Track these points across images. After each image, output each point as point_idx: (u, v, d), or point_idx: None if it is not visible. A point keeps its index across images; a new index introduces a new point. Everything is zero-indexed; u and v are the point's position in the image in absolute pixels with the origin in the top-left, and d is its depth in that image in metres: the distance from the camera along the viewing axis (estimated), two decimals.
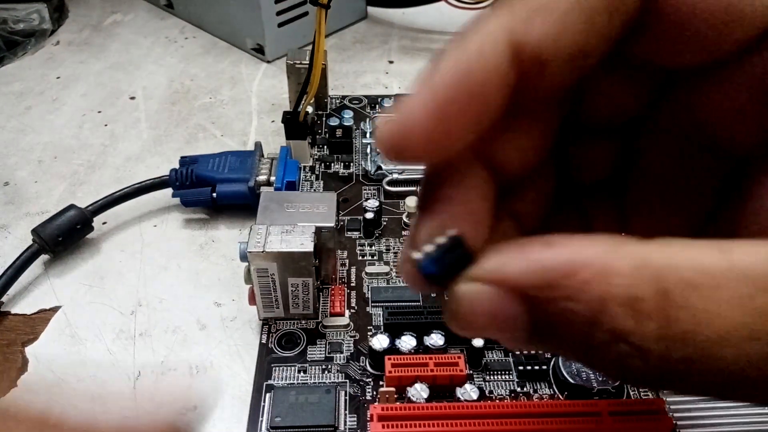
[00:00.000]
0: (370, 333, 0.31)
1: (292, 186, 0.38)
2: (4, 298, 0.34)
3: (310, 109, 0.41)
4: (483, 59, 0.13)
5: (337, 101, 0.48)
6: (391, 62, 0.57)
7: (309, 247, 0.30)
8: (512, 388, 0.29)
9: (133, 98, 0.52)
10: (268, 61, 0.56)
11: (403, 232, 0.37)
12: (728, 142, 0.16)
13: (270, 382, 0.29)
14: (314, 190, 0.40)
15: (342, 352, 0.31)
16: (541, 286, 0.13)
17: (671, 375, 0.12)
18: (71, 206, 0.37)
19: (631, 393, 0.28)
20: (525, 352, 0.30)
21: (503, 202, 0.17)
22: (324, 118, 0.46)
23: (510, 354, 0.30)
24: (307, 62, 0.40)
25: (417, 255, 0.14)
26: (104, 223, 0.40)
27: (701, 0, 0.13)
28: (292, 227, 0.31)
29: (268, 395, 0.29)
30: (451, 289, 0.14)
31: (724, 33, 0.14)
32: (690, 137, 0.16)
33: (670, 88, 0.16)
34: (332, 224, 0.32)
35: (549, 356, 0.30)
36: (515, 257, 0.13)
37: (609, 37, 0.14)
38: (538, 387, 0.29)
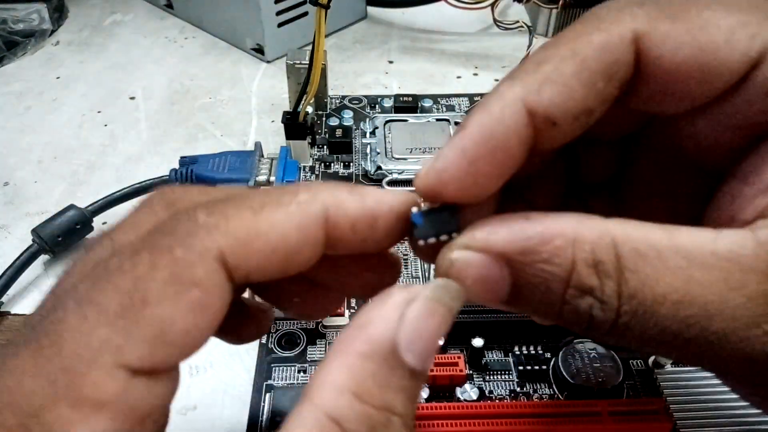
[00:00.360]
0: None
1: None
2: (4, 298, 0.34)
3: (309, 109, 0.41)
4: (504, 122, 0.16)
5: (337, 101, 0.48)
6: (390, 62, 0.57)
7: None
8: (512, 388, 0.29)
9: (132, 98, 0.52)
10: (268, 61, 0.56)
11: None
12: (702, 162, 0.18)
13: (270, 382, 0.29)
14: None
15: None
16: (522, 251, 0.16)
17: (623, 325, 0.16)
18: (71, 206, 0.37)
19: (631, 393, 0.28)
20: (525, 351, 0.30)
21: (520, 193, 0.20)
22: (324, 118, 0.46)
23: (510, 354, 0.30)
24: (307, 62, 0.40)
25: (414, 208, 0.17)
26: (104, 223, 0.39)
27: (681, 63, 0.16)
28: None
29: (268, 395, 0.29)
30: (443, 255, 0.17)
31: (700, 87, 0.16)
32: (672, 154, 0.19)
33: (657, 120, 0.20)
34: None
35: (549, 356, 0.30)
36: (500, 229, 0.16)
37: (608, 98, 0.16)
38: (538, 387, 0.29)
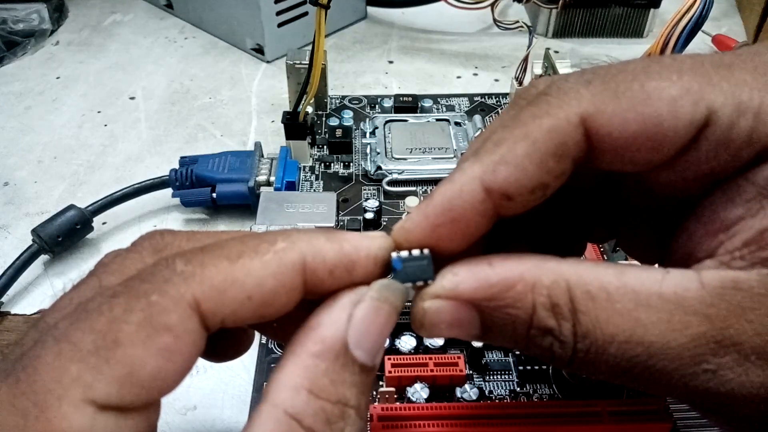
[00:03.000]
0: None
1: (291, 186, 0.38)
2: (4, 299, 0.34)
3: (309, 109, 0.41)
4: (462, 197, 0.17)
5: (337, 101, 0.48)
6: (390, 62, 0.57)
7: None
8: (512, 388, 0.29)
9: (132, 98, 0.52)
10: (268, 61, 0.56)
11: None
12: (668, 201, 0.20)
13: None
14: (314, 191, 0.40)
15: None
16: (487, 298, 0.18)
17: (579, 360, 0.17)
18: (71, 206, 0.37)
19: (631, 393, 0.28)
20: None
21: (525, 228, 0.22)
22: (324, 118, 0.46)
23: (510, 354, 0.30)
24: (307, 62, 0.40)
25: (394, 253, 0.19)
26: (104, 223, 0.40)
27: (630, 136, 0.17)
28: (292, 227, 0.31)
29: None
30: (416, 304, 0.18)
31: (651, 154, 0.17)
32: (642, 193, 0.20)
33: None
34: (332, 224, 0.32)
35: None
36: (466, 277, 0.18)
37: (561, 173, 0.17)
38: (538, 387, 0.29)
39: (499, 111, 0.47)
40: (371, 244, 0.19)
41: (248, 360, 0.31)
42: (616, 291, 0.17)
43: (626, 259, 0.33)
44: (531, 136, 0.17)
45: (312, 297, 0.19)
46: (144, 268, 0.18)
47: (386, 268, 0.19)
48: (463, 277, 0.18)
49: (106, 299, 0.17)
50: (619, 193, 0.22)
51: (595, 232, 0.24)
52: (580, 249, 0.24)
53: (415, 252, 0.19)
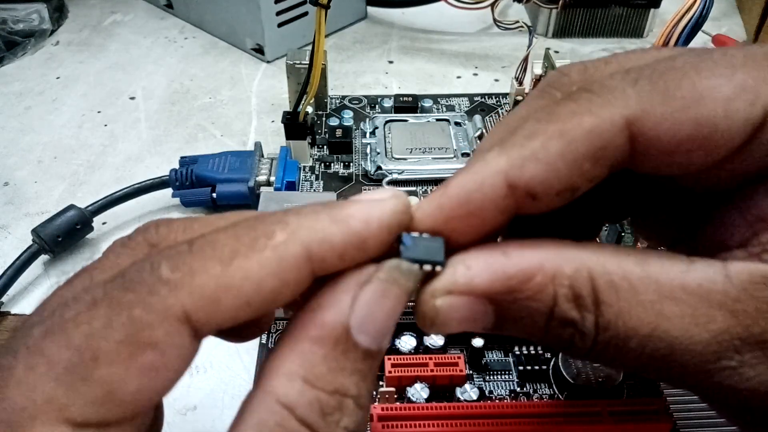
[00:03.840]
0: None
1: (291, 186, 0.38)
2: (4, 299, 0.34)
3: (309, 109, 0.41)
4: (482, 191, 0.16)
5: (337, 101, 0.48)
6: (390, 62, 0.57)
7: None
8: (512, 388, 0.29)
9: (132, 98, 0.52)
10: (268, 61, 0.56)
11: (403, 232, 0.37)
12: (699, 190, 0.18)
13: None
14: (314, 191, 0.40)
15: None
16: (505, 291, 0.16)
17: (600, 350, 0.16)
18: (71, 206, 0.37)
19: (631, 393, 0.28)
20: (525, 351, 0.30)
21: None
22: (324, 118, 0.46)
23: (510, 354, 0.30)
24: (307, 62, 0.40)
25: (405, 232, 0.17)
26: (104, 223, 0.40)
27: (680, 141, 0.16)
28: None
29: None
30: (425, 300, 0.17)
31: (701, 158, 0.16)
32: (674, 185, 0.19)
33: None
34: None
35: (549, 356, 0.30)
36: (481, 269, 0.16)
37: (595, 177, 0.16)
38: (538, 387, 0.29)
39: (499, 111, 0.47)
40: (383, 211, 0.17)
41: (248, 360, 0.31)
42: (640, 281, 0.16)
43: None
44: (568, 134, 0.16)
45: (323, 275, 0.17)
46: (128, 270, 0.16)
47: (403, 227, 0.17)
48: (478, 270, 0.16)
49: (85, 307, 0.15)
50: (641, 182, 0.20)
51: (610, 213, 0.23)
52: (595, 231, 0.23)
53: (426, 235, 0.17)
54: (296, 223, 0.16)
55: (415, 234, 0.17)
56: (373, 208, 0.17)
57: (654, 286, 0.16)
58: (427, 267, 0.17)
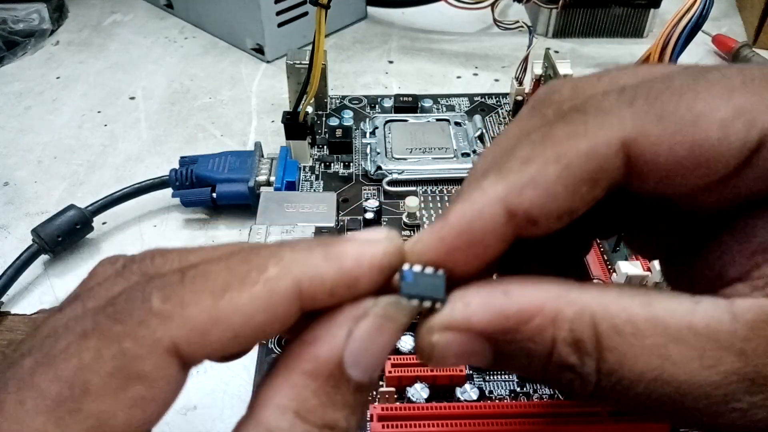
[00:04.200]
0: None
1: (291, 186, 0.38)
2: (4, 298, 0.34)
3: (309, 109, 0.41)
4: (482, 219, 0.16)
5: (337, 101, 0.48)
6: (390, 62, 0.57)
7: None
8: (512, 388, 0.29)
9: (132, 98, 0.52)
10: (268, 61, 0.56)
11: (403, 233, 0.37)
12: (697, 214, 0.18)
13: None
14: (314, 191, 0.40)
15: None
16: (503, 331, 0.16)
17: (603, 395, 0.16)
18: (71, 206, 0.37)
19: None
20: None
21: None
22: (324, 118, 0.46)
23: None
24: (307, 62, 0.40)
25: (406, 266, 0.17)
26: (104, 223, 0.40)
27: (675, 162, 0.15)
28: (292, 227, 0.31)
29: None
30: (423, 334, 0.17)
31: (696, 179, 0.16)
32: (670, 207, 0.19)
33: None
34: (332, 224, 0.32)
35: None
36: (479, 307, 0.16)
37: (593, 199, 0.16)
38: (538, 387, 0.29)
39: (499, 111, 0.47)
40: (375, 252, 0.17)
41: (248, 360, 0.31)
42: (645, 324, 0.15)
43: (627, 259, 0.33)
44: (565, 158, 0.15)
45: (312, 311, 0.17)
46: (118, 300, 0.16)
47: (392, 275, 0.17)
48: (476, 308, 0.16)
49: (75, 338, 0.15)
50: (635, 201, 0.20)
51: (603, 229, 0.23)
52: (586, 247, 0.23)
53: (428, 270, 0.17)
54: (289, 258, 0.16)
55: (417, 268, 0.17)
56: (366, 248, 0.17)
57: (660, 329, 0.15)
58: (427, 303, 0.17)
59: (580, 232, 0.21)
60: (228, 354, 0.16)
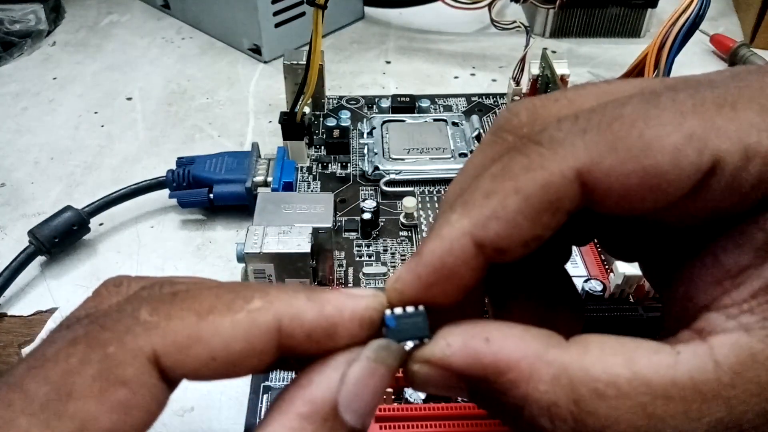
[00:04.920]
0: None
1: (289, 187, 0.38)
2: (1, 300, 0.34)
3: (307, 110, 0.41)
4: (453, 254, 0.16)
5: (334, 101, 0.48)
6: (388, 62, 0.57)
7: (306, 248, 0.30)
8: None
9: (129, 99, 0.52)
10: (265, 62, 0.56)
11: (401, 233, 0.37)
12: (668, 231, 0.18)
13: (267, 383, 0.29)
14: (311, 191, 0.40)
15: None
16: (477, 378, 0.16)
17: None
18: (68, 207, 0.37)
19: None
20: None
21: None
22: (321, 119, 0.46)
23: None
24: (304, 62, 0.40)
25: (388, 311, 0.17)
26: (101, 224, 0.39)
27: (629, 189, 0.16)
28: (289, 228, 0.31)
29: (265, 396, 0.28)
30: (408, 363, 0.17)
31: (652, 202, 0.16)
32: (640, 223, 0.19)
33: None
34: (329, 225, 0.32)
35: None
36: (459, 350, 0.17)
37: (555, 225, 0.16)
38: None
39: (497, 111, 0.47)
40: (356, 305, 0.17)
41: None
42: (629, 385, 0.15)
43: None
44: (523, 190, 0.16)
45: (289, 356, 0.18)
46: (109, 310, 0.17)
47: (374, 330, 0.18)
48: (456, 350, 0.17)
49: (65, 344, 0.16)
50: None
51: (578, 238, 0.23)
52: (565, 256, 0.23)
53: (410, 309, 0.17)
54: (275, 294, 0.17)
55: (398, 311, 0.17)
56: (348, 300, 0.17)
57: (644, 388, 0.15)
58: (411, 344, 0.17)
59: (557, 242, 0.22)
60: (203, 376, 0.17)
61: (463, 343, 0.17)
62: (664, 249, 0.20)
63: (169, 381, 0.16)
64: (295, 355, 0.17)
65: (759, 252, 0.16)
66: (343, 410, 0.16)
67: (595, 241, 0.34)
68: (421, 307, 0.17)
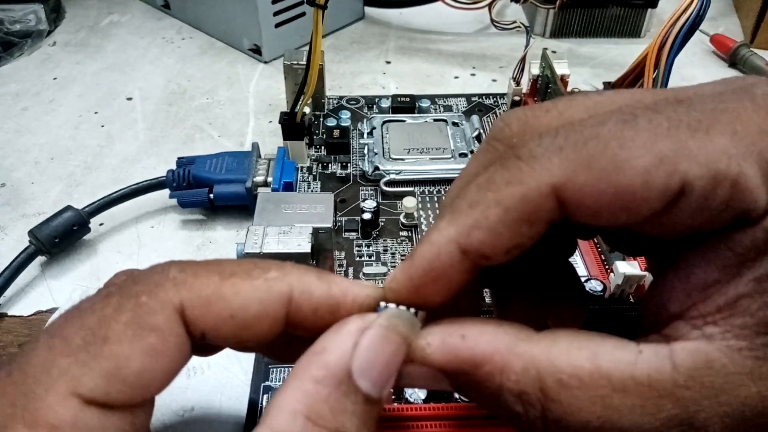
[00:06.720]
0: None
1: (289, 187, 0.38)
2: (1, 300, 0.34)
3: (307, 110, 0.41)
4: (440, 259, 0.18)
5: (335, 102, 0.48)
6: (388, 62, 0.57)
7: (306, 248, 0.30)
8: None
9: (129, 99, 0.52)
10: (265, 62, 0.56)
11: (401, 233, 0.37)
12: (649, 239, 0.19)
13: (268, 383, 0.29)
14: (311, 191, 0.40)
15: None
16: (455, 373, 0.18)
17: None
18: (68, 207, 0.37)
19: None
20: None
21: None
22: (321, 119, 0.46)
23: None
24: (304, 63, 0.40)
25: (382, 303, 0.19)
26: (101, 224, 0.39)
27: (603, 205, 0.17)
28: (290, 228, 0.31)
29: (265, 397, 0.28)
30: None
31: (626, 218, 0.17)
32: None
33: None
34: (329, 225, 0.32)
35: None
36: (438, 348, 0.18)
37: (535, 235, 0.17)
38: None
39: (497, 111, 0.47)
40: (359, 291, 0.19)
41: (246, 361, 0.31)
42: (590, 377, 0.17)
43: (624, 259, 0.33)
44: (503, 202, 0.17)
45: (293, 332, 0.19)
46: (140, 271, 0.19)
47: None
48: (435, 348, 0.18)
49: (100, 298, 0.18)
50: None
51: (581, 233, 0.24)
52: (571, 248, 0.24)
53: (402, 307, 0.19)
54: (289, 269, 0.19)
55: (392, 306, 0.19)
56: (353, 285, 0.19)
57: (604, 381, 0.16)
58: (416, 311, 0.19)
59: (561, 236, 0.23)
60: (220, 335, 0.18)
61: (441, 341, 0.18)
62: (657, 250, 0.21)
63: (194, 335, 0.18)
64: (297, 330, 0.19)
65: (726, 270, 0.17)
66: (357, 376, 0.17)
67: (595, 240, 0.34)
68: (411, 310, 0.19)
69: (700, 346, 0.16)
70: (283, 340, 0.20)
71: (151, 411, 0.19)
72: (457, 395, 0.28)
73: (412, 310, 0.19)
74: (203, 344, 0.19)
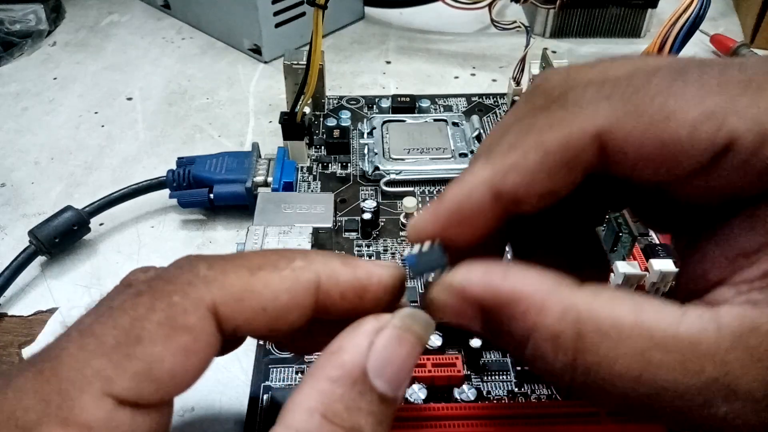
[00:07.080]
0: None
1: (289, 187, 0.38)
2: (1, 300, 0.34)
3: (307, 110, 0.41)
4: (471, 199, 0.18)
5: (335, 102, 0.48)
6: (388, 62, 0.57)
7: (306, 248, 0.30)
8: (510, 388, 0.29)
9: (130, 99, 0.52)
10: (266, 62, 0.56)
11: (401, 233, 0.37)
12: (686, 204, 0.19)
13: (268, 383, 0.29)
14: (311, 191, 0.40)
15: None
16: (491, 306, 0.17)
17: (580, 390, 0.17)
18: (68, 207, 0.37)
19: None
20: None
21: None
22: (321, 119, 0.46)
23: (508, 354, 0.30)
24: (305, 63, 0.40)
25: (407, 250, 0.19)
26: (101, 224, 0.39)
27: (646, 155, 0.16)
28: (290, 228, 0.31)
29: (265, 396, 0.28)
30: (429, 290, 0.19)
31: (667, 172, 0.17)
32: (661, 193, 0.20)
33: None
34: (329, 225, 0.32)
35: None
36: (478, 279, 0.18)
37: (571, 182, 0.17)
38: (536, 388, 0.29)
39: (497, 111, 0.47)
40: (384, 272, 0.20)
41: (246, 361, 0.31)
42: (631, 330, 0.16)
43: (624, 258, 0.33)
44: (544, 145, 0.17)
45: (322, 317, 0.19)
46: (168, 269, 0.19)
47: (396, 297, 0.20)
48: (474, 279, 0.18)
49: (130, 297, 0.17)
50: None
51: (612, 202, 0.24)
52: (599, 219, 0.24)
53: (426, 245, 0.19)
54: (314, 257, 0.19)
55: (416, 249, 0.19)
56: (377, 268, 0.20)
57: (646, 335, 0.16)
58: (434, 274, 0.19)
59: (591, 205, 0.23)
60: (253, 328, 0.18)
61: (483, 273, 0.18)
62: (687, 223, 0.20)
63: (225, 331, 0.18)
64: (326, 315, 0.19)
65: None
66: (372, 376, 0.17)
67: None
68: (437, 243, 0.19)
69: (746, 311, 0.16)
70: (305, 333, 0.20)
71: (173, 407, 0.19)
72: (457, 395, 0.28)
73: (437, 243, 0.19)
74: (228, 341, 0.19)
